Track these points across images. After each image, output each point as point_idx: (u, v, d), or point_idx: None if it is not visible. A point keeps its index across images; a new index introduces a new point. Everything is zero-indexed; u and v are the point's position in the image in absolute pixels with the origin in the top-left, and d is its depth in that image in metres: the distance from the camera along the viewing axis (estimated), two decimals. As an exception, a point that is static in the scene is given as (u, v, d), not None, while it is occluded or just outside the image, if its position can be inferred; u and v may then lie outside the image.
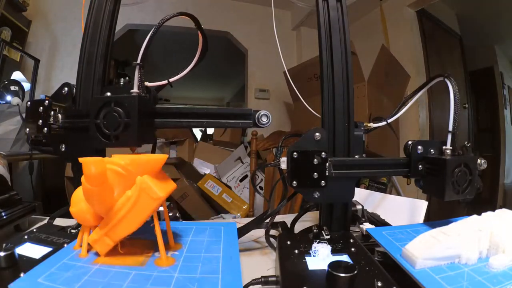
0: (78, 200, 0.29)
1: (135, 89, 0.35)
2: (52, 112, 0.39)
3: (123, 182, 0.27)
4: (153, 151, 0.46)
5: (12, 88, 1.47)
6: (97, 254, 0.28)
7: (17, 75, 1.65)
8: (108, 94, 0.39)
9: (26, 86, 1.61)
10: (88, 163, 0.25)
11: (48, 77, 2.03)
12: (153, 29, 0.36)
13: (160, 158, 0.29)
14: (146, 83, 0.43)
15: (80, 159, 0.25)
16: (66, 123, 0.39)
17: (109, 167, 0.27)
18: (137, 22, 2.31)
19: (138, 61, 0.35)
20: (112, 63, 0.43)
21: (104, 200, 0.27)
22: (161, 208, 0.33)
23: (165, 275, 0.25)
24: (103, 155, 0.41)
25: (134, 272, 0.26)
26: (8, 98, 1.43)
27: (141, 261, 0.28)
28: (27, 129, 0.41)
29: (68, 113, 0.40)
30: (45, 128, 0.39)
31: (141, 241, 0.31)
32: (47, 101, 0.39)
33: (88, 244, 0.29)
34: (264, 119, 0.37)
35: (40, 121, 0.39)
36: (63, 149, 0.40)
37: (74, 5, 2.02)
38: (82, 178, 0.26)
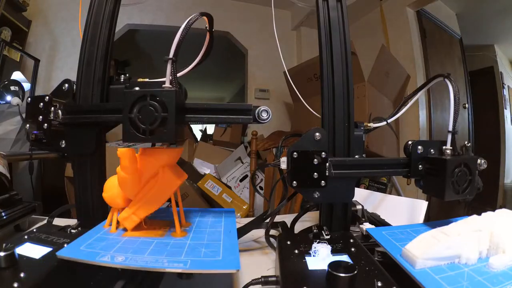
0: (110, 187, 0.35)
1: (167, 84, 0.34)
2: (53, 108, 0.39)
3: (149, 172, 0.34)
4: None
5: (12, 88, 1.47)
6: (124, 230, 0.34)
7: (17, 75, 1.65)
8: (137, 88, 0.38)
9: (26, 86, 1.61)
10: (125, 156, 0.32)
11: (48, 77, 2.03)
12: (183, 25, 0.34)
13: (177, 150, 0.37)
14: (147, 80, 0.43)
15: (119, 151, 0.31)
16: (66, 119, 0.39)
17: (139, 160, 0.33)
18: (137, 22, 2.31)
19: (171, 55, 0.34)
20: (112, 63, 0.43)
21: (134, 186, 0.33)
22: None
23: (180, 242, 0.32)
24: (104, 149, 0.42)
25: (156, 240, 0.32)
26: (8, 98, 1.43)
27: (160, 233, 0.34)
28: (27, 125, 0.41)
29: (69, 109, 0.40)
30: (45, 124, 0.39)
31: (159, 221, 0.38)
32: (47, 97, 0.39)
33: (119, 221, 0.34)
34: (264, 115, 0.36)
35: (40, 117, 0.39)
36: (63, 145, 0.40)
37: (74, 5, 2.02)
38: (118, 169, 0.33)
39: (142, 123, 0.33)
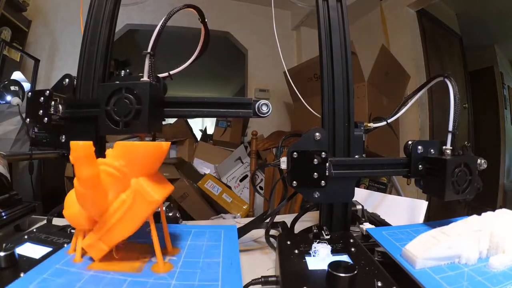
0: (71, 202, 0.27)
1: (145, 78, 0.35)
2: (53, 103, 0.39)
3: (117, 184, 0.26)
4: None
5: (12, 88, 1.46)
6: (91, 258, 0.27)
7: (17, 75, 1.65)
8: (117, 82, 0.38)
9: (26, 86, 1.61)
10: (80, 159, 0.22)
11: (48, 77, 2.03)
12: (163, 19, 0.35)
13: (161, 145, 0.27)
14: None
15: (71, 143, 0.22)
16: (66, 113, 0.39)
17: (103, 169, 0.25)
18: (137, 22, 2.31)
19: (149, 49, 0.35)
20: (112, 63, 0.43)
21: (97, 203, 0.25)
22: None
23: (162, 282, 0.24)
24: (104, 143, 0.41)
25: (130, 278, 0.24)
26: (8, 98, 1.43)
27: (137, 266, 0.26)
28: (27, 120, 0.41)
29: (69, 103, 0.40)
30: (46, 118, 0.39)
31: (137, 245, 0.30)
32: (48, 92, 0.39)
33: (83, 248, 0.27)
34: (265, 108, 0.36)
35: (41, 111, 0.39)
36: (63, 140, 0.40)
37: (74, 5, 2.02)
38: (74, 180, 0.24)
39: (118, 115, 0.33)
